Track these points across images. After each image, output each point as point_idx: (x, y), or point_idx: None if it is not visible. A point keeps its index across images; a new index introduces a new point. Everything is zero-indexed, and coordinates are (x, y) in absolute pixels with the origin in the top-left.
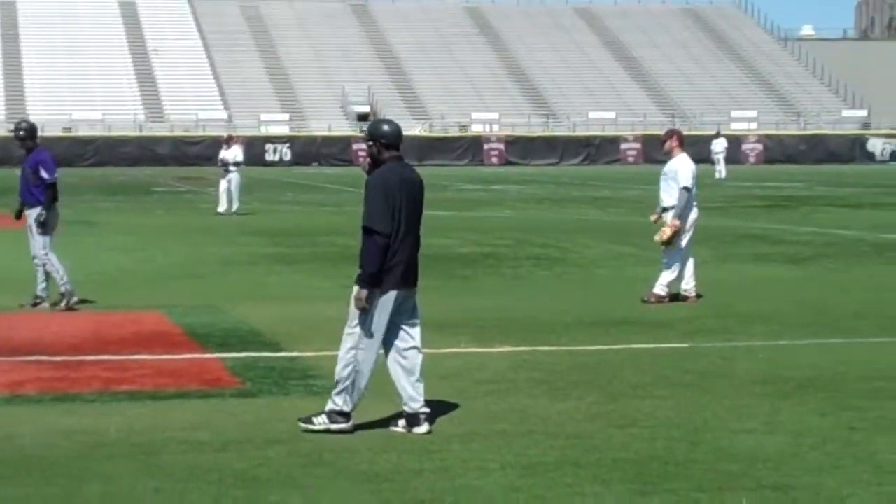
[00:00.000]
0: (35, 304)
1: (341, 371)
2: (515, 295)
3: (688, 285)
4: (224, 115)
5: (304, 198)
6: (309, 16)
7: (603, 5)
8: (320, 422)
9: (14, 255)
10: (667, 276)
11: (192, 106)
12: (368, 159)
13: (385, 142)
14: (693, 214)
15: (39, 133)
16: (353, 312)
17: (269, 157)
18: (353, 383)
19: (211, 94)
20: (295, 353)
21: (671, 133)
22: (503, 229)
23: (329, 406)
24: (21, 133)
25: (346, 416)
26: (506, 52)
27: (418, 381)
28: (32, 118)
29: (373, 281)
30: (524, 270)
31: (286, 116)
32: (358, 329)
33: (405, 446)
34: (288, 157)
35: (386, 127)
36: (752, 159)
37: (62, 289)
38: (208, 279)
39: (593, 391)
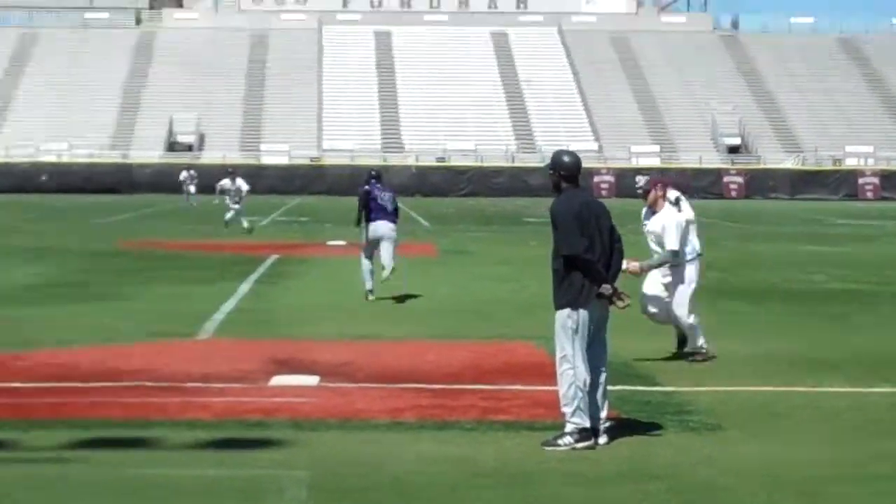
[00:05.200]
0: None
1: (566, 391)
2: (894, 334)
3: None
4: (594, 146)
5: None
6: (678, 46)
7: None
8: (565, 443)
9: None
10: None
11: (562, 137)
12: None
13: (564, 173)
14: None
15: (414, 163)
16: (559, 338)
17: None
18: (579, 399)
19: (581, 124)
20: (670, 388)
21: (654, 182)
22: (880, 266)
23: (570, 427)
24: (373, 172)
25: (587, 432)
26: (880, 84)
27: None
28: (407, 148)
29: (601, 278)
30: None
31: (656, 148)
32: (568, 349)
33: (786, 489)
34: None
35: (567, 158)
36: None
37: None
38: None
39: None
